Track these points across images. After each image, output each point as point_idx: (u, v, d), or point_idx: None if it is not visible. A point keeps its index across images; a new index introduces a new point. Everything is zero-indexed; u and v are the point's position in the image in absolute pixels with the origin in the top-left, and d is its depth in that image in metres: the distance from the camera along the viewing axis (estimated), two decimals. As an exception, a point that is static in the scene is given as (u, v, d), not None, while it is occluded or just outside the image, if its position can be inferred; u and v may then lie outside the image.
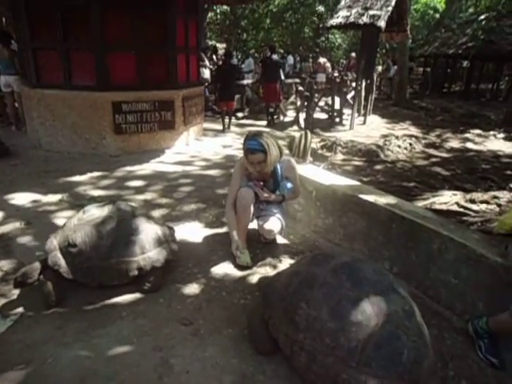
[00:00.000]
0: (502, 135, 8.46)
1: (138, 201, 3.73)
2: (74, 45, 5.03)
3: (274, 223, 2.65)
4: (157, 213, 3.46)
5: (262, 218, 2.68)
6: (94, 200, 3.69)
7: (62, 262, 2.15)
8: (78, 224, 2.23)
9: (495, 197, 4.16)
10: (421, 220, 2.42)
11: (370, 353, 1.51)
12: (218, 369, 1.78)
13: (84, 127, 5.13)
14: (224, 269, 2.61)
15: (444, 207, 4.07)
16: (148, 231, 2.32)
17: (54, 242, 2.23)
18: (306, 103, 8.29)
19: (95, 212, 2.29)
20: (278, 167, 2.62)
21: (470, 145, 7.64)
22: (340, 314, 1.59)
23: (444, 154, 6.81)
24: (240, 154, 5.90)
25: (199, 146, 6.04)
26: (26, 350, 1.87)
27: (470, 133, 8.64)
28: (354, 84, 9.42)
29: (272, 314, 1.83)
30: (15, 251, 2.70)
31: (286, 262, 2.72)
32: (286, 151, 2.72)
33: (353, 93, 9.64)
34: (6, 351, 1.86)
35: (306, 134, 4.94)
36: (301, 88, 8.82)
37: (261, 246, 2.89)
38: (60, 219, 3.22)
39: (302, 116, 8.28)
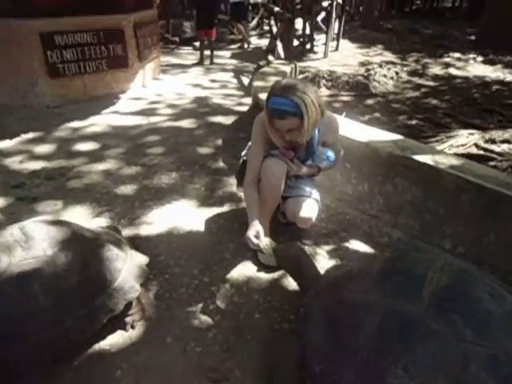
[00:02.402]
0: (480, 58, 7.96)
1: (95, 173, 2.79)
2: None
3: (311, 209, 1.87)
4: (127, 189, 2.59)
5: (293, 199, 1.89)
6: (36, 176, 2.72)
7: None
8: None
9: (515, 134, 3.67)
10: (507, 190, 1.82)
11: None
12: None
13: (6, 70, 3.86)
14: (246, 272, 1.90)
15: (463, 150, 3.54)
16: (96, 249, 1.46)
17: None
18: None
19: None
20: (316, 130, 1.78)
21: (453, 70, 7.05)
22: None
23: (431, 83, 6.19)
24: (212, 94, 4.97)
25: (159, 88, 4.94)
26: None
27: (449, 57, 8.05)
28: (323, 3, 8.24)
29: (329, 368, 1.15)
30: None
31: (320, 250, 2.07)
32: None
33: (323, 14, 8.53)
34: None
35: (295, 67, 4.03)
36: (277, 8, 7.39)
37: (281, 229, 2.17)
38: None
39: (280, 44, 7.11)
